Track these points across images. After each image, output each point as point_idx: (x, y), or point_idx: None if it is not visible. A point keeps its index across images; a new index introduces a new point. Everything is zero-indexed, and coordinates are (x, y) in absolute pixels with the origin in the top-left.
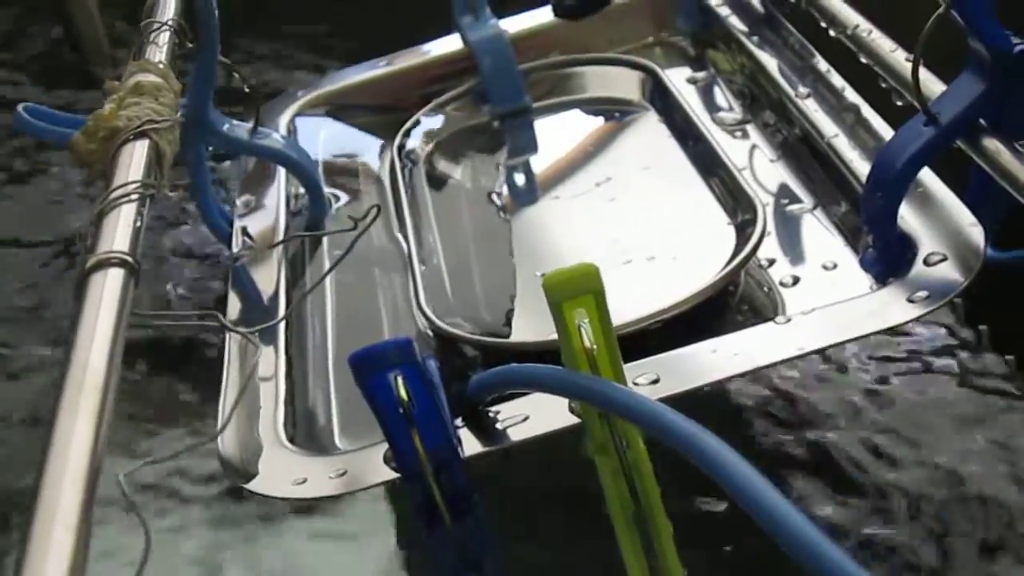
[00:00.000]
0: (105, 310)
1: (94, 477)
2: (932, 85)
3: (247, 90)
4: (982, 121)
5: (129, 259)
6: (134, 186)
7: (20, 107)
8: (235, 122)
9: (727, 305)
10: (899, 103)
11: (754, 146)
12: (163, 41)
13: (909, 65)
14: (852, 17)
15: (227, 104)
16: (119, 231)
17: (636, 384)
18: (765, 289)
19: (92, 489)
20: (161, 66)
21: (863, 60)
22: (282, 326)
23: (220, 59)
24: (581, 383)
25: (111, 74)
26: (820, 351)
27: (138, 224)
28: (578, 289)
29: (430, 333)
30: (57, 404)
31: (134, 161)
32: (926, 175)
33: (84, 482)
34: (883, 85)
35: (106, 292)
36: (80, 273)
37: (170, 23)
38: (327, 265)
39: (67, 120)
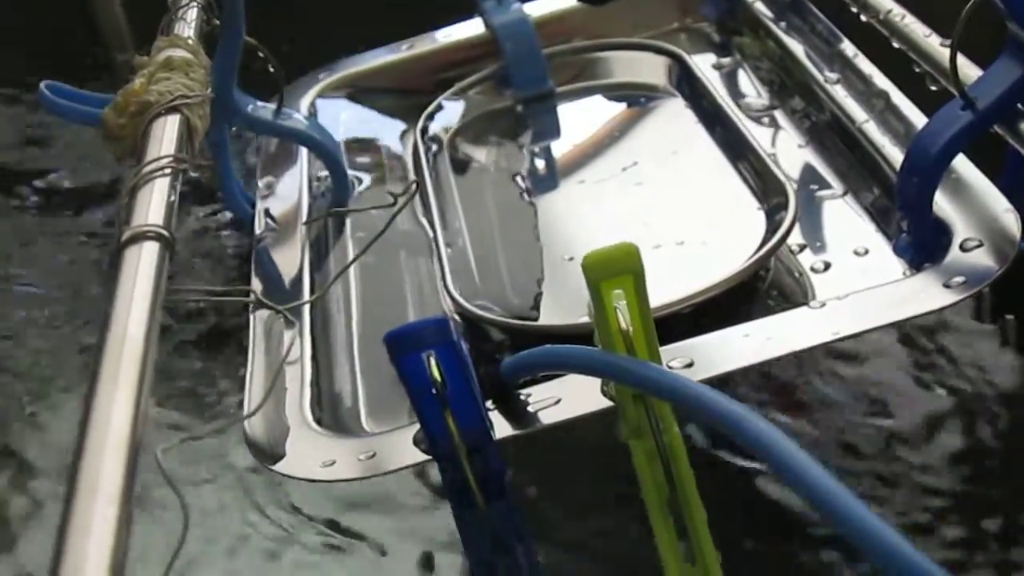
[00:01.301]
0: (141, 282)
1: (135, 449)
2: (967, 70)
3: (272, 70)
4: (1020, 106)
5: (164, 232)
6: (167, 160)
7: (43, 85)
8: (259, 102)
9: (757, 290)
10: (933, 88)
11: (782, 132)
12: (191, 17)
13: (943, 50)
14: (884, 2)
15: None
16: (153, 205)
17: (671, 367)
18: (796, 274)
19: (134, 461)
20: (190, 42)
21: (896, 45)
22: (307, 306)
23: (245, 38)
24: (624, 365)
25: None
26: (856, 336)
27: (172, 198)
28: (618, 269)
29: (456, 316)
30: (96, 377)
31: (166, 135)
32: (959, 160)
33: (126, 454)
34: (917, 70)
35: (142, 265)
36: (115, 247)
37: (198, 0)
38: (351, 246)
39: (89, 98)
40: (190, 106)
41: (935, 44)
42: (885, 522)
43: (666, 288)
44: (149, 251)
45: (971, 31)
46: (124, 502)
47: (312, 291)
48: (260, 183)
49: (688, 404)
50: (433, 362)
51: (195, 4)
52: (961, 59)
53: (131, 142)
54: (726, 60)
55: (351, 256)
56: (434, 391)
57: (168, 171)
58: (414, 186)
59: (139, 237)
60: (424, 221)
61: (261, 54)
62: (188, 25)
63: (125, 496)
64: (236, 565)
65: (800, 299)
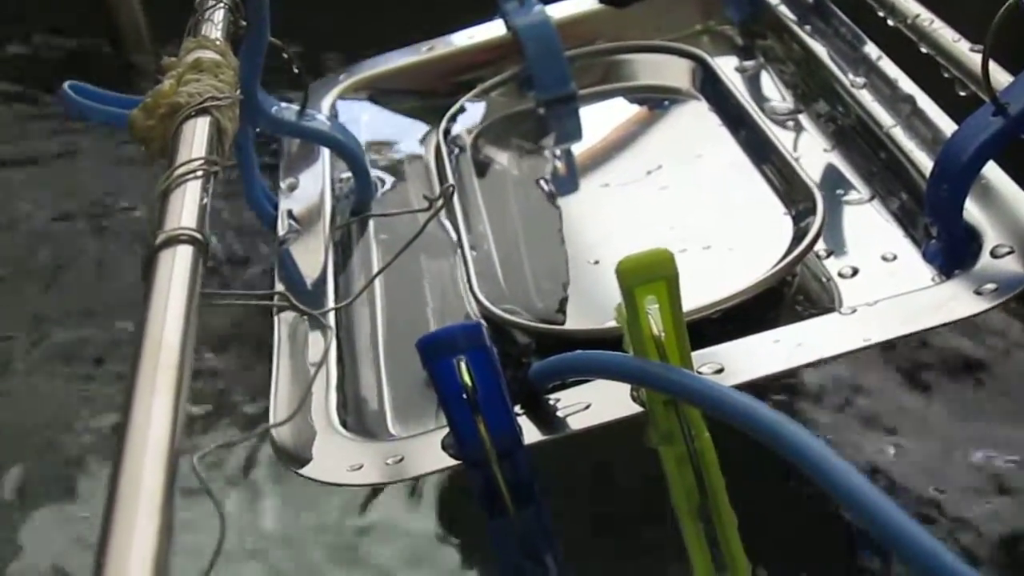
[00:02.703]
0: (176, 287)
1: (174, 457)
2: (998, 76)
3: (296, 71)
4: None
5: (198, 236)
6: (198, 163)
7: (65, 85)
8: (283, 104)
9: (783, 295)
10: (962, 93)
11: (808, 136)
12: (218, 18)
13: (973, 55)
14: (912, 6)
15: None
16: (186, 208)
17: (701, 373)
18: (822, 280)
19: (173, 471)
20: (219, 43)
21: (924, 50)
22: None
23: (270, 39)
24: (663, 374)
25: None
26: (887, 343)
27: (204, 201)
28: (652, 274)
29: (482, 319)
30: (133, 384)
31: (196, 138)
32: (989, 166)
33: (165, 463)
34: (946, 75)
35: (176, 269)
36: (148, 251)
37: (225, 0)
38: (375, 248)
39: (113, 99)
40: (220, 108)
41: (964, 49)
42: (927, 531)
43: (694, 293)
44: (183, 255)
45: (998, 36)
46: (165, 512)
47: (336, 293)
48: (282, 184)
49: (726, 412)
50: (464, 367)
51: (222, 5)
52: (992, 65)
53: (160, 144)
54: (749, 63)
55: (375, 258)
56: (465, 396)
57: (200, 173)
58: (450, 190)
59: (172, 241)
60: (447, 223)
61: (285, 55)
62: (215, 26)
63: (166, 506)
64: None
65: (827, 304)
